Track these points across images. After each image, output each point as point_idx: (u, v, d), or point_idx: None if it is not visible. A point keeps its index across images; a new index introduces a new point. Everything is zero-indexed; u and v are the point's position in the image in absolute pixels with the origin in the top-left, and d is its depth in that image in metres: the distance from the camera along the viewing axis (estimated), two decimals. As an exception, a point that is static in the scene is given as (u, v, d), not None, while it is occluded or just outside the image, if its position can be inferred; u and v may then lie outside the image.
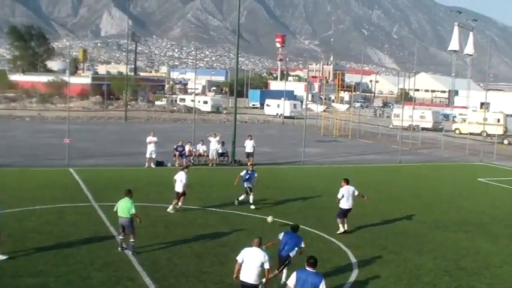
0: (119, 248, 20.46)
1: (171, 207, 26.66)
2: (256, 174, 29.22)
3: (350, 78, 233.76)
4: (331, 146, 61.26)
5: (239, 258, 15.00)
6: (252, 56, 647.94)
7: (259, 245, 15.21)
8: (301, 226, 24.47)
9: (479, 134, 70.25)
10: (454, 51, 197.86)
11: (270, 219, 23.68)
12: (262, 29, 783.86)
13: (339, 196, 24.25)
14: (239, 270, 14.95)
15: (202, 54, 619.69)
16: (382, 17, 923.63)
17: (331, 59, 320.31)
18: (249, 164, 41.66)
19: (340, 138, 70.59)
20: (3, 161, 39.18)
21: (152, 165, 39.95)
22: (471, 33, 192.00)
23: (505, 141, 73.20)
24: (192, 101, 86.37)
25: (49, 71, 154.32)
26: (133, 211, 20.04)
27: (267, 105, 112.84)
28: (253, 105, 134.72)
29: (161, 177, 35.48)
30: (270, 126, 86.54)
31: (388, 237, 23.90)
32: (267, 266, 14.88)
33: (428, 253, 21.98)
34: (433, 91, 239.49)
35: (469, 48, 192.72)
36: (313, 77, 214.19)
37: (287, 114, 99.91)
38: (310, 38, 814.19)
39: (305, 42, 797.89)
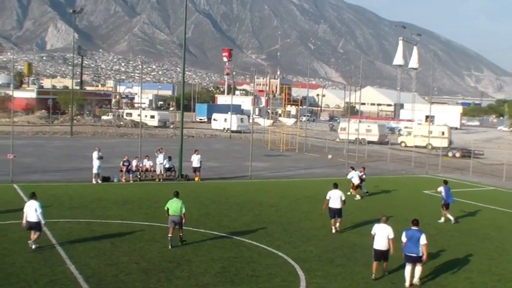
0: (169, 246, 23.03)
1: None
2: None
3: (297, 92, 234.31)
4: (278, 160, 61.37)
5: (372, 231, 20.58)
6: (199, 70, 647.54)
7: (386, 221, 20.75)
8: (248, 241, 24.55)
9: (425, 147, 71.30)
10: (399, 65, 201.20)
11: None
12: (209, 43, 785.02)
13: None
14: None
15: (149, 68, 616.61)
16: (328, 31, 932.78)
17: (278, 73, 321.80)
18: (196, 179, 41.71)
19: (287, 153, 70.75)
20: None
21: (99, 181, 39.49)
22: (415, 48, 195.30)
23: (450, 154, 74.25)
24: (139, 115, 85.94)
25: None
26: (183, 211, 23.75)
27: (214, 119, 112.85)
28: (200, 119, 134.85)
29: (107, 193, 35.15)
30: (217, 141, 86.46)
31: (335, 250, 24.03)
32: (391, 236, 20.09)
33: (375, 266, 22.12)
34: (379, 104, 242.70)
35: (414, 62, 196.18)
36: (260, 91, 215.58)
37: (234, 128, 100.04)
38: (257, 52, 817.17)
39: (252, 56, 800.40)
